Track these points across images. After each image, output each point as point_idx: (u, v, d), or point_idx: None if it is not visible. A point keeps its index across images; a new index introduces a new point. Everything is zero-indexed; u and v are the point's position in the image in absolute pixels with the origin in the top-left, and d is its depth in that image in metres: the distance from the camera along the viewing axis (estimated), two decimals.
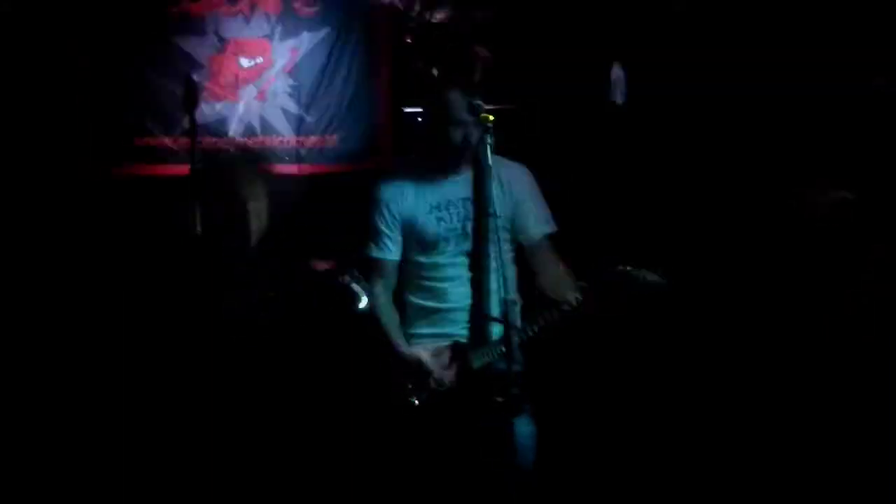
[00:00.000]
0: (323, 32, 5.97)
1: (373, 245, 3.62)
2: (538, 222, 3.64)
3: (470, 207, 3.57)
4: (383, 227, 3.60)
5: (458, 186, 3.60)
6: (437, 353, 3.52)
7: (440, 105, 3.51)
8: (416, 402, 3.49)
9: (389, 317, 3.61)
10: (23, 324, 4.94)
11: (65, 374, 4.86)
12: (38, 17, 5.55)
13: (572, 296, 3.45)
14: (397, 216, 3.59)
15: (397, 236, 3.60)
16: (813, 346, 4.25)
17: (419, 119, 3.64)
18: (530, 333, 3.48)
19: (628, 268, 3.46)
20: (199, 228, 4.79)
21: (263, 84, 5.95)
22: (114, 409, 4.67)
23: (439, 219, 3.57)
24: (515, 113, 4.95)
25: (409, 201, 3.59)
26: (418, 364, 3.50)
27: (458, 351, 3.52)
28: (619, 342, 4.71)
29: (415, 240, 3.58)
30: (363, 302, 3.63)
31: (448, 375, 3.49)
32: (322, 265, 5.03)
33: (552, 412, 3.73)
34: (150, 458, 4.52)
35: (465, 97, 3.47)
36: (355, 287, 3.65)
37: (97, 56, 5.76)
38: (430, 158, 3.62)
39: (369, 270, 3.64)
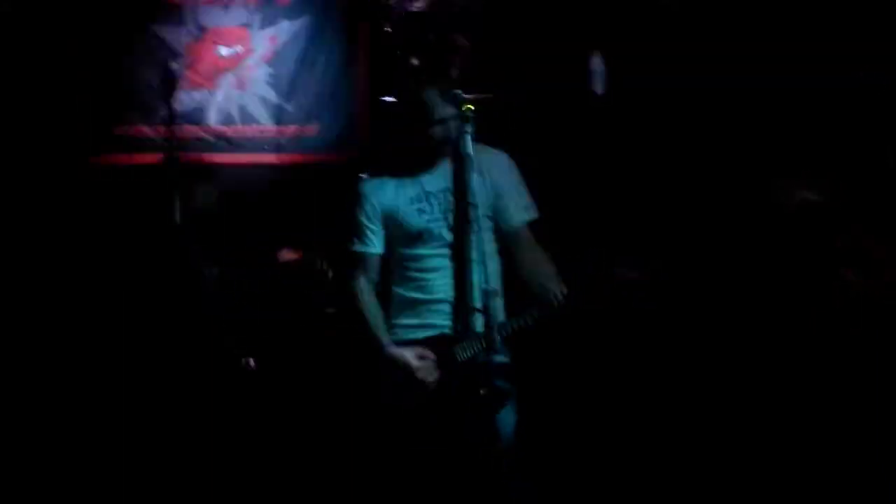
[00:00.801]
0: (302, 21, 5.95)
1: (356, 239, 3.62)
2: (518, 209, 3.65)
3: (451, 198, 3.57)
4: (365, 221, 3.61)
5: (439, 177, 3.60)
6: (421, 356, 3.52)
7: (418, 105, 3.50)
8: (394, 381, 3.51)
9: (374, 314, 3.62)
10: (4, 315, 4.92)
11: (47, 368, 4.84)
12: (32, 13, 5.52)
13: (554, 290, 3.46)
14: (378, 209, 3.60)
15: (379, 229, 3.61)
16: (800, 339, 4.27)
17: (396, 115, 3.63)
18: (513, 328, 3.49)
19: (611, 263, 3.47)
20: (178, 217, 4.79)
21: (242, 73, 5.93)
22: (102, 401, 4.66)
23: (420, 210, 3.57)
24: (497, 103, 4.95)
25: (389, 194, 3.60)
26: (403, 364, 3.51)
27: (442, 344, 3.53)
28: (605, 333, 4.72)
29: (397, 232, 3.59)
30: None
31: (432, 376, 3.50)
32: (289, 255, 5.04)
33: (538, 403, 3.74)
34: (136, 452, 4.50)
35: (442, 94, 3.47)
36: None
37: (76, 44, 5.74)
38: (411, 150, 3.62)
39: (353, 264, 3.64)
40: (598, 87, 5.38)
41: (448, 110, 3.46)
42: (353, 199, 3.64)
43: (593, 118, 5.27)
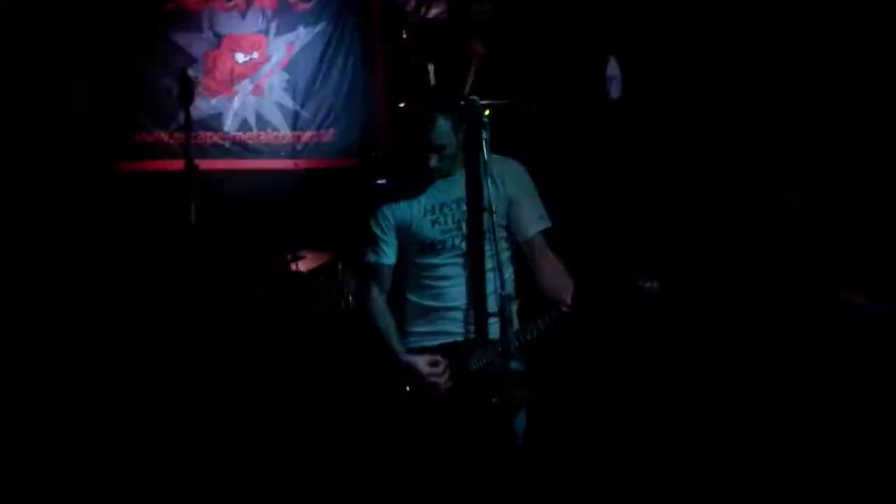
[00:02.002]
0: (319, 27, 5.97)
1: (369, 250, 3.61)
2: (533, 219, 3.62)
3: (464, 208, 3.55)
4: (379, 233, 3.59)
5: (452, 187, 3.58)
6: (433, 363, 3.52)
7: (420, 131, 3.47)
8: (408, 388, 3.50)
9: (386, 321, 3.60)
10: (24, 319, 4.93)
11: (66, 368, 4.85)
12: (38, 17, 5.54)
13: (568, 299, 3.45)
14: (392, 221, 3.58)
15: (393, 240, 3.59)
16: (802, 340, 4.26)
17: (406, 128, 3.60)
18: (528, 337, 3.48)
19: (626, 275, 3.46)
20: (193, 220, 4.81)
21: (259, 79, 5.95)
22: (118, 403, 4.66)
23: (434, 221, 3.56)
24: (513, 107, 4.94)
25: (403, 205, 3.58)
26: (415, 371, 3.50)
27: (455, 353, 3.51)
28: (614, 334, 4.71)
29: (411, 242, 3.57)
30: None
31: (443, 382, 3.49)
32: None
33: (549, 409, 3.73)
34: (143, 451, 4.51)
35: (447, 120, 3.43)
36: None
37: (94, 53, 5.77)
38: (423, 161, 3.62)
39: (366, 275, 3.63)
40: (615, 91, 5.36)
41: (453, 138, 3.45)
42: (368, 210, 3.63)
43: (608, 122, 5.26)
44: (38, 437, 4.60)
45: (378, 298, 3.61)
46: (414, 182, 3.60)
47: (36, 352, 4.90)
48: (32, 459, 4.47)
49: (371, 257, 3.61)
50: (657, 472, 4.39)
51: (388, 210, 3.59)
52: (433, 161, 3.48)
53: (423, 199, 3.58)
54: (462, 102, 3.42)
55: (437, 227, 3.55)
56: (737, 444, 4.36)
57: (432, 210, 3.56)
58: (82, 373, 4.86)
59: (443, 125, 3.43)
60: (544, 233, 3.63)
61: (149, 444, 4.48)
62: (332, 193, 5.65)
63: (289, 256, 5.19)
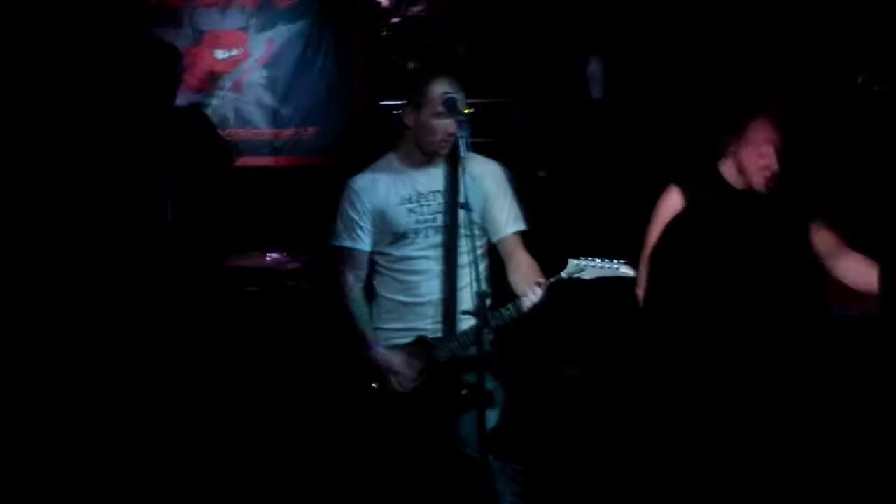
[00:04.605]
0: (300, 24, 5.95)
1: (344, 235, 3.62)
2: (509, 219, 3.64)
3: (442, 200, 3.57)
4: (355, 217, 3.59)
5: (432, 179, 3.60)
6: (409, 364, 3.52)
7: (424, 99, 3.50)
8: (375, 385, 3.51)
9: (361, 310, 3.61)
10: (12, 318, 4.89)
11: (59, 366, 4.82)
12: (37, 16, 5.52)
13: (540, 284, 3.47)
14: (369, 206, 3.59)
15: (369, 227, 3.60)
16: (800, 337, 4.26)
17: (398, 113, 3.63)
18: (498, 323, 3.48)
19: (589, 260, 3.49)
20: (170, 217, 4.79)
21: (239, 76, 5.94)
22: (108, 404, 4.64)
23: (410, 210, 3.57)
24: (496, 107, 4.95)
25: (381, 192, 3.59)
26: (387, 366, 3.51)
27: (424, 345, 3.52)
28: (606, 329, 4.73)
29: (386, 231, 3.58)
30: None
31: (414, 380, 3.50)
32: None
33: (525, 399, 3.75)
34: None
35: (447, 89, 3.46)
36: None
37: (77, 48, 5.73)
38: (407, 151, 3.62)
39: (341, 261, 3.63)
40: (596, 91, 5.38)
41: (450, 109, 3.46)
42: (345, 196, 3.64)
43: (590, 123, 5.27)
44: (31, 439, 4.57)
45: (355, 286, 3.62)
46: (394, 171, 3.62)
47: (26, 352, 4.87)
48: (25, 462, 4.45)
49: (347, 242, 3.61)
50: (652, 472, 4.39)
51: (364, 195, 3.59)
52: (441, 128, 3.48)
53: (401, 187, 3.59)
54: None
55: (412, 216, 3.56)
56: (734, 439, 4.36)
57: (409, 199, 3.57)
58: (71, 372, 4.84)
59: (440, 91, 3.48)
60: (519, 235, 3.65)
61: (137, 445, 4.47)
62: (312, 191, 5.64)
63: (265, 254, 5.19)
